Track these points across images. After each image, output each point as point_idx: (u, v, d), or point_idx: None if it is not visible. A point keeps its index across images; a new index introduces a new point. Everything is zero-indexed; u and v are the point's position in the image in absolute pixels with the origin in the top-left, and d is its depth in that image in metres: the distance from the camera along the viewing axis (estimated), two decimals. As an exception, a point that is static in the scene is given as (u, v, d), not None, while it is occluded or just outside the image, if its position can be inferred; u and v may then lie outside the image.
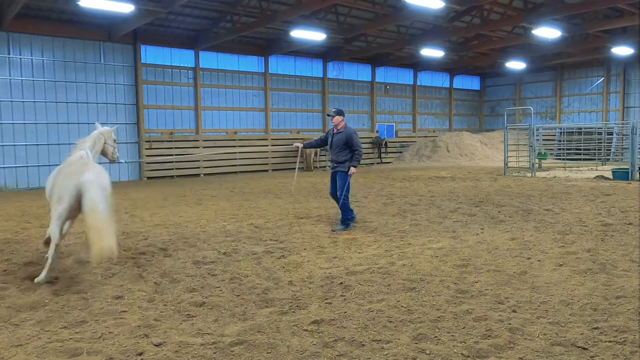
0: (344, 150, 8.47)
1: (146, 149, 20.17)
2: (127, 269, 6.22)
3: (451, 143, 28.18)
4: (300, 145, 9.04)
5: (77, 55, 18.66)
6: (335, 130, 8.63)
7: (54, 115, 18.24)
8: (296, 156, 9.41)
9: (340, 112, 8.67)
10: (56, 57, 18.23)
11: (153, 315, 4.61)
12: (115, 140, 7.49)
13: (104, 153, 7.39)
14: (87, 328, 4.32)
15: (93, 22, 18.24)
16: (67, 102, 18.50)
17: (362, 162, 27.16)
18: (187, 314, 4.64)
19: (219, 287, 5.45)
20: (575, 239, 7.41)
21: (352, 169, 8.47)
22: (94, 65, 19.04)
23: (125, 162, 10.11)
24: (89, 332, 4.22)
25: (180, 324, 4.41)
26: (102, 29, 18.74)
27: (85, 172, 5.84)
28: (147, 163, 19.80)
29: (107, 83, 19.37)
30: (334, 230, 8.43)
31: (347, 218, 8.62)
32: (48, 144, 18.16)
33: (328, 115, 9.04)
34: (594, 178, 16.64)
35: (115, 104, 19.61)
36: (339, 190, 8.55)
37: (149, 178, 20.15)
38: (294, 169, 8.77)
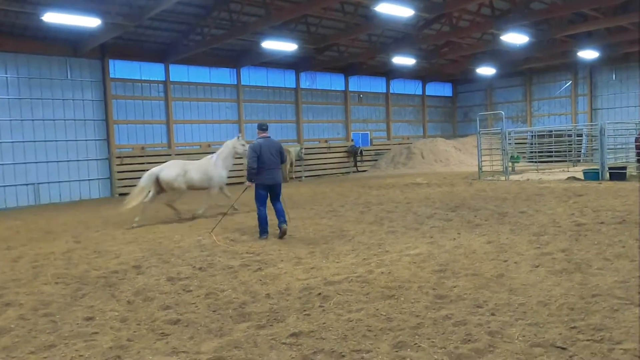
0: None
1: (117, 165, 19.79)
2: (99, 288, 6.04)
3: (426, 149, 28.42)
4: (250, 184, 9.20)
5: (43, 71, 18.22)
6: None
7: (19, 133, 17.73)
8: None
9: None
10: (20, 73, 17.77)
11: (126, 335, 4.46)
12: (243, 145, 11.82)
13: (237, 154, 11.98)
14: (56, 352, 4.15)
15: (58, 37, 17.88)
16: (32, 120, 18.01)
17: (339, 171, 27.73)
18: (162, 333, 4.50)
19: (194, 303, 5.32)
20: (550, 240, 7.48)
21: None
22: (60, 82, 18.61)
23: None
24: (58, 357, 4.06)
25: (155, 343, 4.27)
26: (68, 44, 18.37)
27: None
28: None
29: (74, 99, 18.95)
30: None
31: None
32: (14, 164, 17.65)
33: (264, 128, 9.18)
34: (566, 179, 16.95)
35: (84, 120, 19.20)
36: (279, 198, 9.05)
37: (121, 194, 19.71)
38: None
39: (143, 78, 20.90)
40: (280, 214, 8.89)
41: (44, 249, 8.69)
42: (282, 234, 8.72)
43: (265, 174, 8.82)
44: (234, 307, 5.11)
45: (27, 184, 17.94)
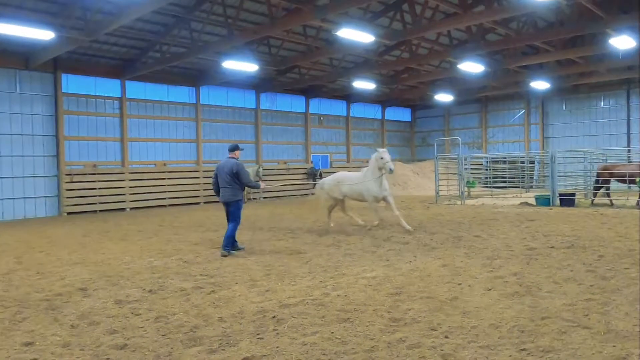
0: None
1: (66, 182, 19.03)
2: (40, 312, 5.71)
3: (384, 173, 28.72)
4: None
5: (-10, 83, 17.51)
6: None
7: (-39, 147, 16.91)
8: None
9: None
10: (-34, 85, 17.03)
11: (66, 362, 4.21)
12: (382, 159, 11.32)
13: (380, 168, 11.44)
14: (-13, 381, 3.86)
15: (8, 49, 17.24)
16: (-23, 134, 17.22)
17: (297, 193, 27.66)
18: (107, 358, 4.28)
19: (142, 327, 5.10)
20: (503, 264, 7.62)
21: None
22: (8, 95, 17.87)
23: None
24: (-11, 386, 3.77)
25: (97, 370, 4.04)
26: (19, 56, 17.72)
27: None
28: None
29: (23, 113, 18.20)
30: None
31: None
32: (-45, 179, 16.79)
33: (241, 148, 9.84)
34: (519, 204, 17.46)
35: (32, 135, 18.44)
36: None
37: (69, 213, 18.98)
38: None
39: (98, 94, 20.37)
40: (225, 236, 9.16)
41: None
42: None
43: (220, 192, 9.33)
44: (184, 331, 4.92)
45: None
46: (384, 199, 11.62)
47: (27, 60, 17.91)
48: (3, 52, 17.33)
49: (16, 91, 18.08)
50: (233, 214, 9.19)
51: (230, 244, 9.11)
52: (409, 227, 11.09)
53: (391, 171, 11.06)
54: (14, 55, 17.66)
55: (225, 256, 8.88)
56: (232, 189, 9.15)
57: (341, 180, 12.20)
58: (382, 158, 11.29)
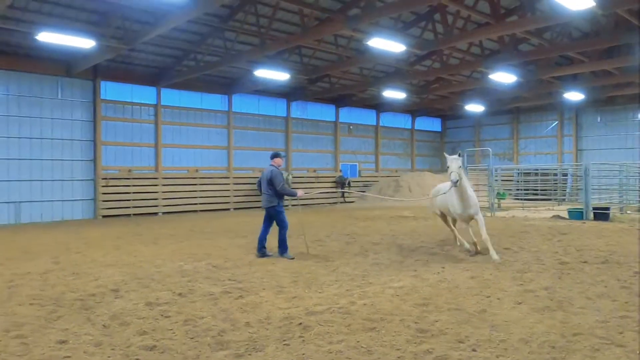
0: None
1: (102, 186, 19.61)
2: (74, 311, 5.89)
3: (413, 183, 28.58)
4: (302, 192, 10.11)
5: (33, 89, 18.21)
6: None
7: (4, 150, 17.60)
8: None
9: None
10: (10, 91, 17.75)
11: (99, 360, 4.33)
12: (448, 168, 8.99)
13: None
14: (24, 376, 4.01)
15: (51, 57, 17.93)
16: (19, 138, 17.92)
17: (325, 201, 27.73)
18: (137, 358, 4.38)
19: (171, 329, 5.20)
20: (534, 277, 7.47)
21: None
22: (50, 100, 18.59)
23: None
24: (26, 381, 3.91)
25: (128, 369, 4.14)
26: (61, 63, 18.43)
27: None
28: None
29: (63, 119, 18.89)
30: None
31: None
32: (-1, 180, 17.46)
33: (282, 156, 10.09)
34: (551, 217, 17.07)
35: (72, 140, 19.10)
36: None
37: (104, 217, 19.51)
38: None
39: (134, 101, 20.95)
40: (279, 243, 9.62)
41: (21, 269, 8.50)
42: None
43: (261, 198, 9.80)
44: (212, 334, 5.00)
45: (8, 202, 17.67)
46: (471, 217, 9.40)
47: (68, 68, 18.59)
48: (47, 59, 18.03)
49: (58, 97, 18.78)
50: (277, 220, 9.59)
51: (285, 248, 9.56)
52: (496, 257, 8.78)
53: (453, 183, 8.77)
54: (56, 63, 18.35)
55: (292, 259, 9.34)
56: (269, 196, 9.48)
57: (438, 190, 10.52)
58: (447, 167, 9.01)
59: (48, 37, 14.31)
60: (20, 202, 17.94)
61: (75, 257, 9.84)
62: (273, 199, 9.46)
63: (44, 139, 18.44)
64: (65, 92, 18.96)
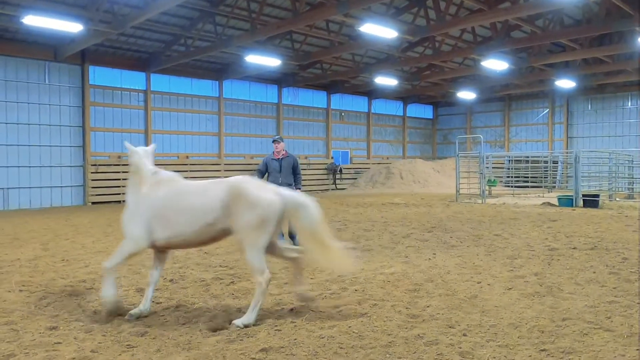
0: (291, 174, 9.27)
1: (92, 172, 19.43)
2: (64, 297, 5.86)
3: (405, 170, 28.64)
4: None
5: (20, 74, 17.92)
6: (280, 156, 9.24)
7: (-9, 136, 17.37)
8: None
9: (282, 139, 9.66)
10: (-4, 75, 17.46)
11: (90, 346, 4.31)
12: None
13: None
14: (14, 362, 3.98)
15: (38, 41, 17.63)
16: (6, 123, 17.66)
17: (316, 188, 27.72)
18: (128, 345, 4.37)
19: (163, 315, 5.19)
20: (524, 263, 7.54)
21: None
22: (37, 85, 18.30)
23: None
24: (16, 367, 3.89)
25: (120, 355, 4.14)
26: (48, 48, 18.12)
27: None
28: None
29: (51, 104, 18.63)
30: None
31: None
32: (-15, 166, 17.26)
33: (275, 141, 9.49)
34: (541, 205, 17.21)
35: (60, 125, 18.87)
36: None
37: (93, 203, 19.36)
38: None
39: (123, 86, 20.70)
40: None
41: (10, 256, 8.43)
42: None
43: None
44: (204, 320, 4.99)
45: (-6, 188, 17.49)
46: None
47: (56, 52, 18.29)
48: (33, 43, 17.73)
49: (45, 82, 18.50)
50: None
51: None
52: None
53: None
54: (43, 47, 18.05)
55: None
56: (288, 181, 9.23)
57: None
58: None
59: (34, 21, 14.03)
60: (9, 188, 17.75)
61: (64, 243, 9.77)
62: (292, 185, 9.15)
63: (31, 125, 18.19)
64: (52, 77, 18.67)
